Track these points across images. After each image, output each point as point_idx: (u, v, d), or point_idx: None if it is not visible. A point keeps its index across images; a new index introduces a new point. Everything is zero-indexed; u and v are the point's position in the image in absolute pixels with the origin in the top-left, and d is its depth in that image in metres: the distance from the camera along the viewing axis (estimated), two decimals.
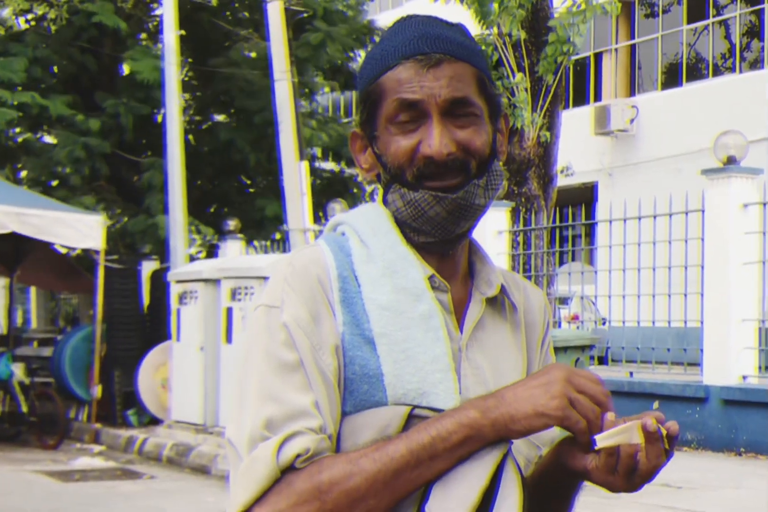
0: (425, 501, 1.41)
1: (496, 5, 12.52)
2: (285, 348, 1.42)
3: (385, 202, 1.55)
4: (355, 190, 18.28)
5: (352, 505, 1.34)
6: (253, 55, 17.24)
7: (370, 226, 1.53)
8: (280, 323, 1.44)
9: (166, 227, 13.45)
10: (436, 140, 1.46)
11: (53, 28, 16.43)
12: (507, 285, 1.60)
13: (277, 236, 16.44)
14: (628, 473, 1.39)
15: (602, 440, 1.36)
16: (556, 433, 1.63)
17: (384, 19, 18.87)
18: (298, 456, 1.36)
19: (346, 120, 20.32)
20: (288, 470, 1.36)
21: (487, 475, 1.43)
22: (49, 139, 17.23)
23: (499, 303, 1.59)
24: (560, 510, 1.59)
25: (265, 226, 16.79)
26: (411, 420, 1.41)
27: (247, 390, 1.43)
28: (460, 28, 1.56)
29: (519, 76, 12.78)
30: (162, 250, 14.21)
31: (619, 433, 1.36)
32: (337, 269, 1.48)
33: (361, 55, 18.14)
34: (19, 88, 15.07)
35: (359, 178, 17.86)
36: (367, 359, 1.44)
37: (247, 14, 17.82)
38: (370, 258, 1.50)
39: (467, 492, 1.43)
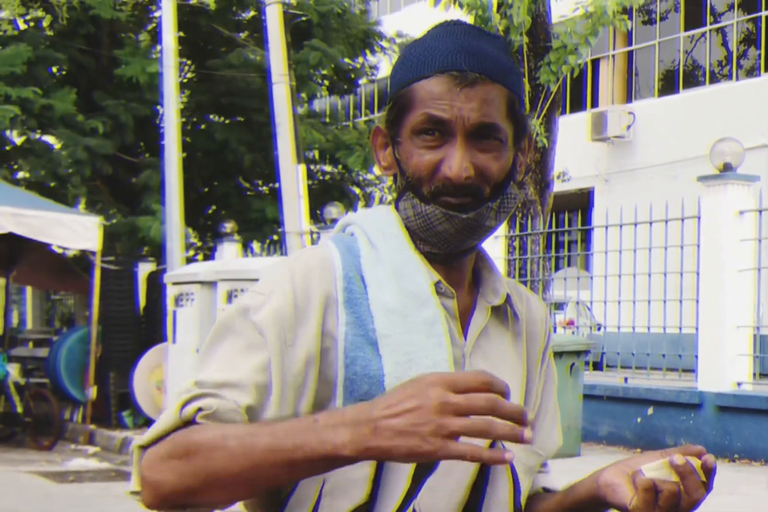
0: (413, 497, 1.41)
1: (494, 11, 12.54)
2: (255, 331, 1.43)
3: (396, 206, 1.56)
4: (356, 190, 18.29)
5: (209, 475, 1.29)
6: (251, 56, 17.26)
7: (380, 228, 1.54)
8: (261, 310, 1.45)
9: (162, 229, 13.44)
10: (456, 163, 1.47)
11: (50, 32, 16.43)
12: (511, 294, 1.61)
13: (275, 237, 16.45)
14: (669, 509, 1.37)
15: (649, 470, 1.36)
16: (546, 443, 1.65)
17: (383, 23, 18.88)
18: (199, 410, 1.37)
19: (344, 123, 20.31)
20: (189, 424, 1.37)
21: (474, 468, 1.45)
22: (49, 139, 17.22)
23: (502, 312, 1.60)
24: None
25: (262, 229, 16.80)
26: None
27: (208, 355, 1.48)
28: (501, 43, 1.56)
29: None
30: (158, 252, 14.21)
31: (660, 468, 1.36)
32: (344, 269, 1.49)
33: (359, 61, 18.17)
34: (18, 86, 15.06)
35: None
36: (369, 359, 1.44)
37: (247, 18, 17.84)
38: (378, 260, 1.51)
39: (455, 487, 1.44)
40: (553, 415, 1.69)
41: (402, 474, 1.41)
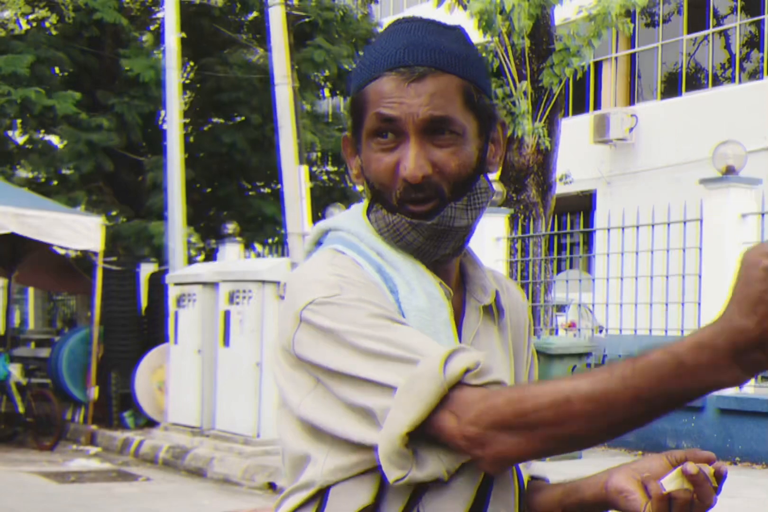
0: (420, 499, 1.40)
1: (497, 14, 12.55)
2: (379, 312, 1.35)
3: (369, 218, 1.51)
4: (360, 189, 18.29)
5: (564, 437, 1.24)
6: (253, 58, 17.28)
7: (373, 233, 1.50)
8: (352, 299, 1.36)
9: (165, 230, 13.44)
10: (410, 162, 1.41)
11: (54, 32, 16.44)
12: (498, 289, 1.58)
13: (276, 239, 16.45)
14: None
15: (668, 483, 1.35)
16: None
17: (384, 25, 18.91)
18: (467, 370, 1.28)
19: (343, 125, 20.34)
20: (457, 386, 1.28)
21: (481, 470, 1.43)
22: (53, 139, 17.23)
23: (489, 308, 1.57)
24: None
25: (264, 230, 16.80)
26: None
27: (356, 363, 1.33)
28: (457, 33, 1.50)
29: (524, 84, 12.81)
30: (161, 253, 14.21)
31: (675, 478, 1.35)
32: (373, 269, 1.46)
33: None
34: (21, 87, 15.07)
35: (351, 184, 17.88)
36: None
37: (250, 19, 17.86)
38: (392, 263, 1.47)
39: (461, 489, 1.42)
40: None
41: None
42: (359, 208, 1.56)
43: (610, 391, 1.20)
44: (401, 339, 1.32)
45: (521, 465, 1.55)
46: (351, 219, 1.53)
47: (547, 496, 1.57)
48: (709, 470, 1.36)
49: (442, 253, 1.48)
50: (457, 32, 1.50)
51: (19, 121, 15.91)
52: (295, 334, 1.39)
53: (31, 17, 16.83)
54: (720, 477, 1.37)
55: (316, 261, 1.47)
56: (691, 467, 1.33)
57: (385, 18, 26.10)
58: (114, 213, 16.61)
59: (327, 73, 17.29)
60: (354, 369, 1.33)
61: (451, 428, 1.27)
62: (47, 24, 16.67)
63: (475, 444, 1.27)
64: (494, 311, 1.57)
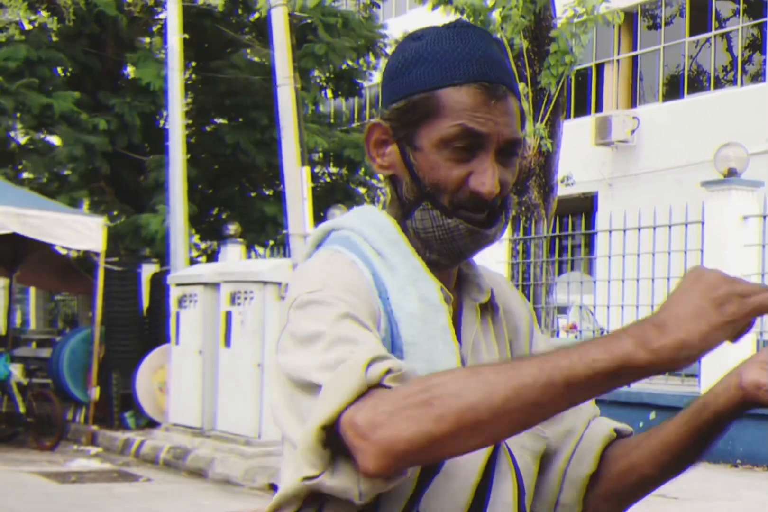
0: (418, 499, 1.40)
1: (497, 14, 12.56)
2: (346, 311, 1.35)
3: (411, 215, 1.50)
4: (362, 190, 18.29)
5: (462, 413, 1.19)
6: (255, 58, 17.29)
7: (380, 233, 1.50)
8: (329, 296, 1.37)
9: (166, 230, 13.43)
10: (489, 180, 1.45)
11: (55, 32, 16.45)
12: (492, 286, 1.59)
13: (278, 239, 16.45)
14: None
15: None
16: (570, 424, 1.60)
17: (388, 27, 18.90)
18: (389, 371, 1.26)
19: (350, 125, 20.33)
20: (376, 387, 1.25)
21: (478, 469, 1.44)
22: (53, 140, 17.25)
23: (484, 305, 1.58)
24: (712, 443, 1.50)
25: (265, 230, 16.80)
26: None
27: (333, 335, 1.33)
28: (503, 47, 1.54)
29: (521, 85, 12.82)
30: (162, 253, 14.21)
31: None
32: (372, 277, 1.45)
33: (372, 61, 18.18)
34: (19, 85, 15.06)
35: (353, 184, 17.86)
36: None
37: (252, 20, 17.87)
38: (390, 266, 1.48)
39: (459, 489, 1.42)
40: None
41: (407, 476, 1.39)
42: (368, 208, 1.57)
43: (512, 368, 1.20)
44: (350, 344, 1.31)
45: (532, 459, 1.53)
46: (358, 219, 1.53)
47: (665, 432, 1.51)
48: None
49: (469, 256, 1.53)
50: (502, 45, 1.55)
51: (19, 118, 15.89)
52: (282, 334, 1.41)
53: (33, 18, 16.85)
54: None
55: (312, 260, 1.47)
56: None
57: (387, 19, 26.11)
58: (115, 213, 16.61)
59: (329, 73, 17.29)
60: (304, 373, 1.33)
61: (346, 417, 1.23)
62: (49, 25, 16.68)
63: (360, 432, 1.21)
64: (489, 309, 1.58)
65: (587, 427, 1.60)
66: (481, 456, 1.43)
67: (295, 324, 1.38)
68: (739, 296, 1.16)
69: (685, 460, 1.51)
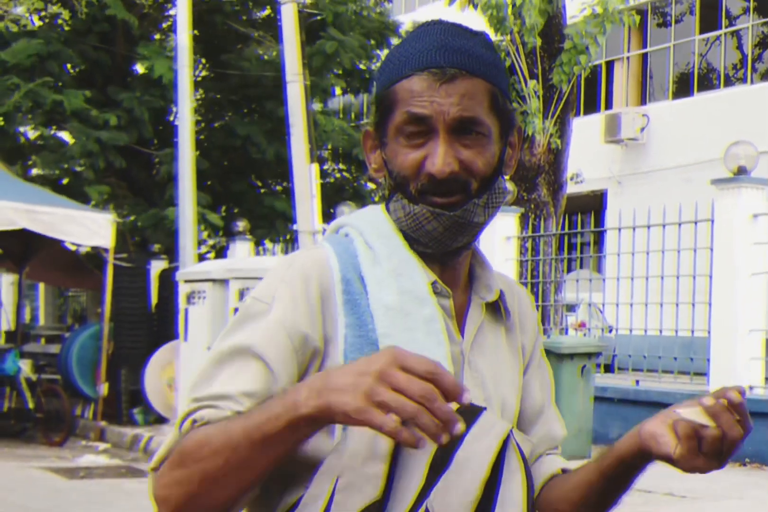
0: (427, 496, 1.41)
1: (510, 12, 12.53)
2: (261, 339, 1.45)
3: (387, 208, 1.57)
4: (372, 186, 18.27)
5: (203, 474, 1.31)
6: (265, 55, 17.28)
7: (374, 229, 1.55)
8: (265, 317, 1.46)
9: (175, 223, 13.43)
10: (439, 159, 1.47)
11: (66, 27, 16.47)
12: (503, 290, 1.62)
13: (287, 236, 16.45)
14: (713, 454, 1.37)
15: (684, 412, 1.37)
16: (552, 432, 1.67)
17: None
18: (194, 422, 1.38)
19: (358, 122, 20.33)
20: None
21: (487, 465, 1.44)
22: (63, 135, 17.25)
23: (496, 308, 1.61)
24: (620, 491, 1.56)
25: (274, 227, 16.79)
26: None
27: (209, 363, 1.51)
28: (483, 39, 1.56)
29: (532, 83, 12.80)
30: (171, 249, 14.22)
31: (696, 413, 1.36)
32: (341, 271, 1.50)
33: (381, 56, 18.15)
34: (27, 79, 15.05)
35: (363, 180, 17.87)
36: None
37: (262, 16, 17.86)
38: (376, 260, 1.52)
39: (468, 485, 1.43)
40: (551, 406, 1.71)
41: (416, 472, 1.41)
42: (373, 206, 1.61)
43: (231, 429, 1.29)
44: (210, 380, 1.47)
45: (542, 468, 1.59)
46: (359, 216, 1.60)
47: (581, 472, 1.58)
48: (723, 401, 1.36)
49: (456, 245, 1.53)
50: (483, 37, 1.56)
51: (29, 116, 15.91)
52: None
53: (43, 13, 16.86)
54: (737, 407, 1.37)
55: (288, 258, 1.54)
56: (707, 399, 1.35)
57: (397, 16, 26.09)
58: (126, 211, 16.61)
59: (339, 71, 17.26)
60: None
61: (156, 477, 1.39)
62: (59, 20, 16.69)
63: (154, 482, 1.38)
64: (502, 312, 1.61)
65: (539, 457, 1.66)
66: (489, 452, 1.43)
67: (223, 331, 1.53)
68: (381, 395, 1.17)
69: (596, 502, 1.56)
